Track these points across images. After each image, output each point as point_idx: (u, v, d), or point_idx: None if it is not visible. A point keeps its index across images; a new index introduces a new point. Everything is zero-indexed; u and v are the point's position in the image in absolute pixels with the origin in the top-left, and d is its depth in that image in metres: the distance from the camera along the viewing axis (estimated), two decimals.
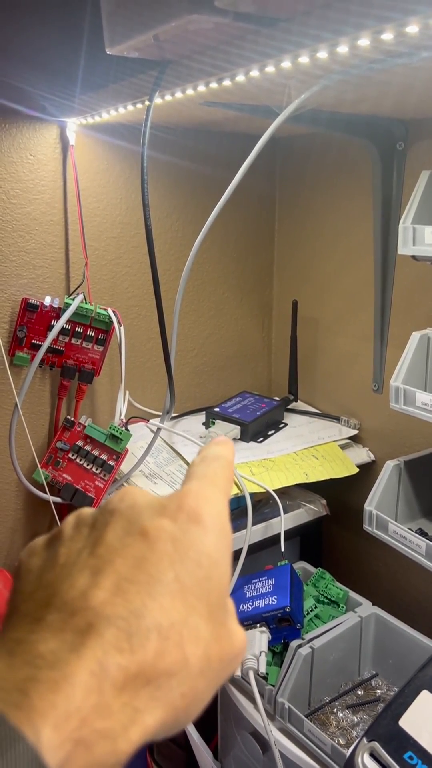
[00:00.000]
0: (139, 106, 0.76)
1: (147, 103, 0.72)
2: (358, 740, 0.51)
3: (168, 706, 0.22)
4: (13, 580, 0.26)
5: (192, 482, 0.28)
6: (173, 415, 1.12)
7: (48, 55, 0.85)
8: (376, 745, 0.49)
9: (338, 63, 0.52)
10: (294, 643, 0.79)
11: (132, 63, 0.70)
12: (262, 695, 0.78)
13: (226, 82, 0.61)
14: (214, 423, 1.05)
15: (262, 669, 0.77)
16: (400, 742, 0.49)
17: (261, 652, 0.78)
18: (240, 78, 0.59)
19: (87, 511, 0.27)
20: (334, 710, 0.80)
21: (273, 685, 0.79)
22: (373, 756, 0.49)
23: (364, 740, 0.50)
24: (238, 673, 0.78)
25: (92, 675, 0.20)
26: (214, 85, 0.62)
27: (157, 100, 0.72)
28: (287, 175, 1.15)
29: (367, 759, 0.48)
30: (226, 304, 1.19)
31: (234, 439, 1.02)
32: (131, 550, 0.24)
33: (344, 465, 0.98)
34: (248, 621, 0.81)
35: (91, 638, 0.21)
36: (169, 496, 0.26)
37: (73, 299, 0.92)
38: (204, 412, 1.12)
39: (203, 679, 0.23)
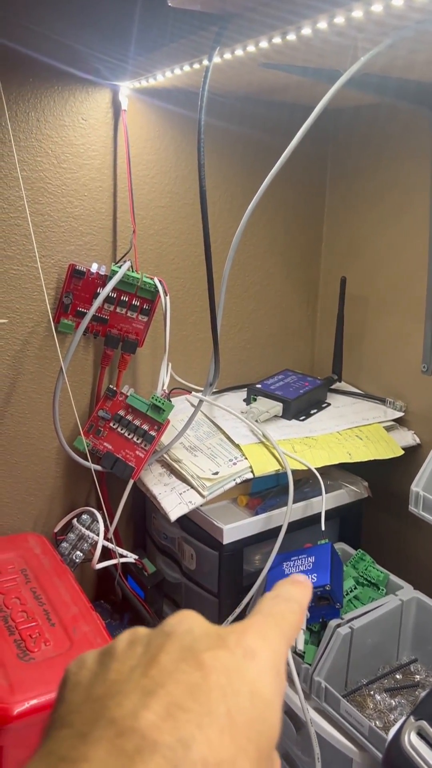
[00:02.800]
0: (196, 66, 0.74)
1: (205, 63, 0.70)
2: (404, 719, 0.50)
3: None
4: (60, 690, 0.25)
5: (256, 618, 0.26)
6: (214, 390, 1.11)
7: (102, 13, 0.83)
8: (425, 724, 0.47)
9: (415, 10, 0.49)
10: (333, 623, 0.77)
11: (190, 20, 0.68)
12: (297, 673, 0.77)
13: (291, 36, 0.58)
14: (255, 399, 1.04)
15: (300, 646, 0.76)
16: None
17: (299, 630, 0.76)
18: (306, 31, 0.56)
19: (142, 630, 0.26)
20: (371, 693, 0.78)
21: (309, 664, 0.78)
22: (421, 735, 0.47)
23: (411, 719, 0.48)
24: None
25: None
26: (277, 40, 0.60)
27: (216, 60, 0.70)
28: (340, 148, 1.12)
29: (414, 738, 0.47)
30: (272, 280, 1.17)
31: (275, 416, 1.01)
32: (185, 677, 0.23)
33: (389, 447, 0.95)
34: None
35: (137, 764, 0.20)
36: (228, 627, 0.25)
37: (120, 267, 0.91)
38: (245, 389, 1.11)
39: None
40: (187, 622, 0.25)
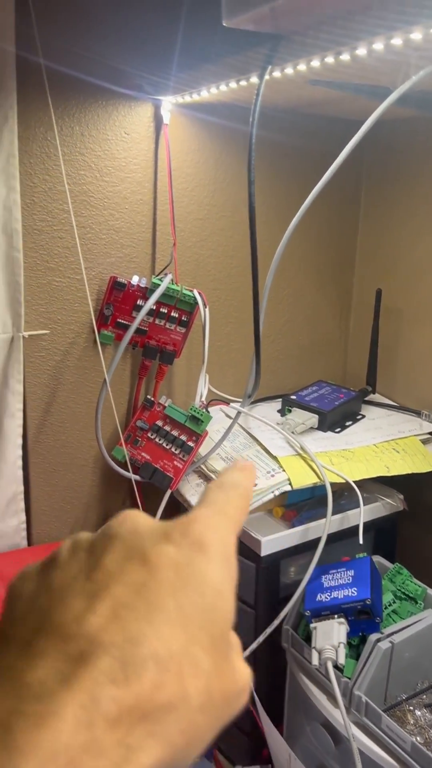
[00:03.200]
0: (243, 83, 0.74)
1: (254, 80, 0.71)
2: None
3: (166, 744, 0.20)
4: (4, 607, 0.24)
5: (202, 508, 0.26)
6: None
7: (147, 34, 0.85)
8: None
9: None
10: (373, 637, 0.77)
11: (237, 39, 0.69)
12: (338, 687, 0.77)
13: (344, 57, 0.59)
14: (290, 411, 1.04)
15: (341, 660, 0.76)
16: None
17: (340, 644, 0.77)
18: (361, 51, 0.57)
19: (85, 535, 0.26)
20: (411, 708, 0.78)
21: (349, 678, 0.78)
22: None
23: None
24: (315, 662, 0.77)
25: (83, 708, 0.19)
26: (329, 59, 0.60)
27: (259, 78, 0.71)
28: (376, 159, 1.13)
29: None
30: (305, 291, 1.17)
31: (311, 428, 1.01)
32: (130, 576, 0.22)
33: (426, 460, 0.95)
34: (326, 611, 0.80)
35: (83, 667, 0.19)
36: (173, 521, 0.25)
37: (161, 279, 0.92)
38: (277, 400, 1.11)
39: (204, 716, 0.22)
40: (129, 521, 0.25)
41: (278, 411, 1.08)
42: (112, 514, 0.26)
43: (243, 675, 0.24)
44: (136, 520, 0.25)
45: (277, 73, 0.68)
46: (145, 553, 0.23)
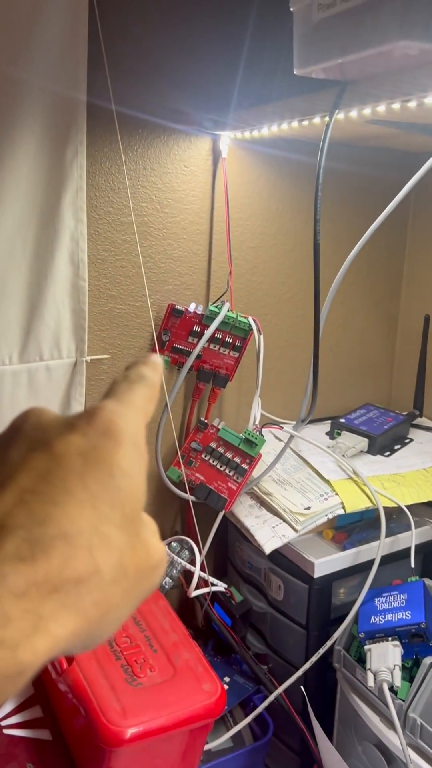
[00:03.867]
0: (305, 123, 0.78)
1: (316, 121, 0.74)
2: None
3: (79, 615, 0.21)
4: None
5: (108, 400, 0.26)
6: (293, 423, 1.14)
7: (210, 78, 0.89)
8: None
9: None
10: (428, 660, 0.79)
11: (301, 84, 0.72)
12: (393, 709, 0.78)
13: (411, 104, 0.62)
14: (339, 434, 1.06)
15: (397, 682, 0.77)
16: None
17: (395, 666, 0.78)
18: (429, 99, 0.60)
19: None
20: None
21: (403, 700, 0.79)
22: None
23: None
24: (371, 684, 0.79)
25: None
26: (396, 106, 0.63)
27: (320, 119, 0.74)
28: (423, 186, 1.15)
29: None
30: (353, 316, 1.20)
31: (361, 451, 1.03)
32: (35, 464, 0.23)
33: None
34: (380, 633, 0.82)
35: None
36: (78, 413, 0.25)
37: (219, 307, 0.95)
38: (324, 422, 1.13)
39: (118, 588, 0.23)
40: (33, 416, 0.25)
41: (327, 434, 1.10)
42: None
43: (157, 551, 0.25)
44: (39, 414, 0.26)
45: (340, 115, 0.71)
46: (50, 442, 0.24)
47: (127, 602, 0.24)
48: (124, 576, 0.23)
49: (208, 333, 0.94)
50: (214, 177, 0.98)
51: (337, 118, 0.73)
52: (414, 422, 1.14)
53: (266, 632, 1.01)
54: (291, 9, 0.62)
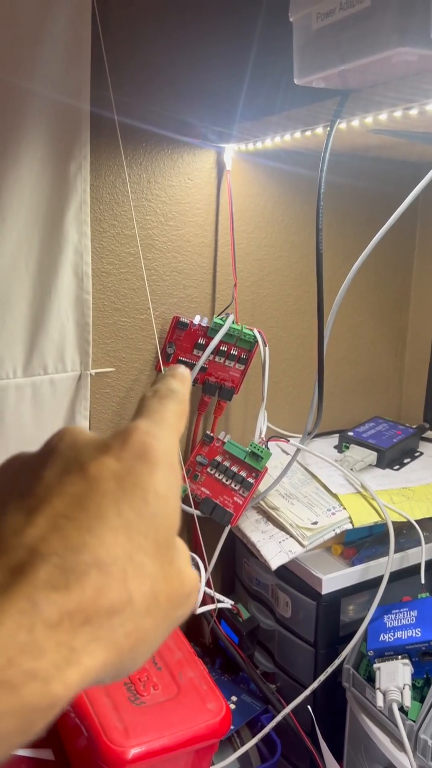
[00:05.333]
0: (308, 134, 0.77)
1: (318, 131, 0.74)
2: None
3: (111, 646, 0.21)
4: None
5: (141, 419, 0.26)
6: (300, 437, 1.12)
7: (213, 89, 0.90)
8: None
9: None
10: None
11: (301, 94, 0.72)
12: (403, 730, 0.76)
13: (413, 111, 0.61)
14: (348, 447, 1.05)
15: (407, 702, 0.75)
16: None
17: (405, 685, 0.76)
18: (430, 107, 0.59)
19: (25, 453, 0.26)
20: None
21: (413, 721, 0.77)
22: None
23: None
24: (380, 704, 0.77)
25: (22, 613, 0.19)
26: (398, 113, 0.63)
27: (323, 129, 0.74)
28: (430, 202, 1.14)
29: None
30: (361, 328, 1.19)
31: (370, 465, 1.01)
32: (70, 488, 0.22)
33: None
34: (389, 651, 0.80)
35: (23, 576, 0.20)
36: (113, 433, 0.25)
37: (223, 319, 0.95)
38: (332, 435, 1.12)
39: (150, 618, 0.22)
40: (69, 435, 0.25)
41: (335, 447, 1.09)
42: None
43: (190, 579, 0.24)
44: (74, 434, 0.25)
45: (342, 125, 0.71)
46: (84, 465, 0.23)
47: (159, 632, 0.23)
48: (156, 605, 0.22)
49: (212, 345, 0.94)
50: (218, 190, 0.98)
51: (340, 128, 0.73)
52: (424, 435, 1.12)
53: (274, 650, 0.99)
54: (290, 19, 0.62)
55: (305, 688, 0.87)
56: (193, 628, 1.10)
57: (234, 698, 0.95)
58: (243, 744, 0.88)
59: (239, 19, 0.90)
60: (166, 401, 0.27)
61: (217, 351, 0.97)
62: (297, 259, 1.08)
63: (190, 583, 0.24)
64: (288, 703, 0.88)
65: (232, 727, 0.89)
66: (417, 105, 0.60)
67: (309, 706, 0.86)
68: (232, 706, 0.94)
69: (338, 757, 0.91)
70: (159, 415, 0.26)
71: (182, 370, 0.30)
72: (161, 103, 0.88)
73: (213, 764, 0.83)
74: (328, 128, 0.69)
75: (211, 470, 0.97)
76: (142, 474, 0.23)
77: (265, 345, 0.96)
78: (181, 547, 0.25)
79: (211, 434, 0.99)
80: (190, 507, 0.96)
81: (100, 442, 0.24)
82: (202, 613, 0.96)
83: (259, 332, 0.96)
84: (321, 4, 0.57)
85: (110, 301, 0.93)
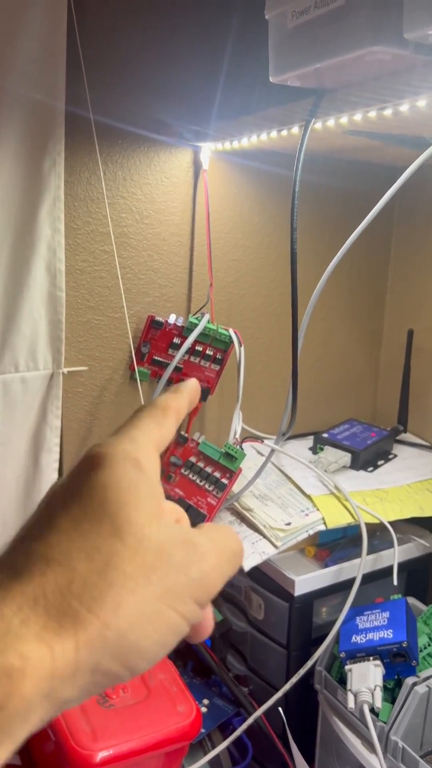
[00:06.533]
0: (284, 133, 0.77)
1: (294, 131, 0.74)
2: None
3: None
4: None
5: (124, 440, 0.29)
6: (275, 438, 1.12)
7: (189, 88, 0.89)
8: None
9: None
10: (410, 680, 0.76)
11: (277, 93, 0.72)
12: (374, 731, 0.76)
13: (387, 112, 0.61)
14: (322, 449, 1.05)
15: (378, 704, 0.75)
16: None
17: (376, 686, 0.76)
18: (404, 107, 0.59)
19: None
20: None
21: (384, 722, 0.77)
22: None
23: None
24: (351, 705, 0.76)
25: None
26: (372, 114, 0.63)
27: (299, 128, 0.73)
28: (407, 202, 1.15)
29: None
30: (335, 331, 1.19)
31: (344, 466, 1.01)
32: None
33: None
34: (361, 653, 0.80)
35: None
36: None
37: (199, 319, 0.94)
38: (308, 437, 1.12)
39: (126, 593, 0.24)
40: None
41: (310, 449, 1.09)
42: None
43: (154, 541, 0.26)
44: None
45: (318, 125, 0.71)
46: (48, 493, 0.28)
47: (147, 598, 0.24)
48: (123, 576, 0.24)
49: (186, 344, 0.93)
50: (195, 189, 0.97)
51: (316, 128, 0.73)
52: (398, 438, 1.13)
53: (247, 653, 0.98)
54: (266, 16, 0.61)
55: (278, 690, 0.87)
56: None
57: (206, 701, 0.94)
58: (214, 748, 0.87)
59: (214, 17, 0.90)
60: (140, 411, 0.30)
61: (192, 351, 0.97)
62: (274, 260, 1.08)
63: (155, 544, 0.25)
64: (260, 706, 0.87)
65: (203, 730, 0.88)
66: (391, 105, 0.60)
67: (280, 709, 0.86)
68: (204, 710, 0.93)
69: (310, 759, 0.91)
70: (125, 427, 0.29)
71: (186, 384, 0.33)
72: (137, 102, 0.88)
73: (183, 767, 0.82)
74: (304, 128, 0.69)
75: (185, 471, 0.96)
76: (86, 476, 0.26)
77: (240, 345, 0.95)
78: (142, 517, 0.26)
79: (186, 435, 0.98)
80: None
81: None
82: None
83: (234, 332, 0.95)
84: (296, 1, 0.57)
85: (84, 298, 0.92)
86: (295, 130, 0.75)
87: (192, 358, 0.98)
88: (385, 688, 0.81)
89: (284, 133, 0.77)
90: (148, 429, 0.29)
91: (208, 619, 0.30)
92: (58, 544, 0.24)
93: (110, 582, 0.23)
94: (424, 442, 1.12)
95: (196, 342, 0.96)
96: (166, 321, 0.95)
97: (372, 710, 0.77)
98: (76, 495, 0.25)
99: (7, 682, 0.20)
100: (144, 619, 0.24)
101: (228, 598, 1.02)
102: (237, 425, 0.96)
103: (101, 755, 0.66)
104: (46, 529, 0.25)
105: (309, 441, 1.12)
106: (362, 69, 0.56)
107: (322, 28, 0.54)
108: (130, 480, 0.26)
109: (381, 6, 0.50)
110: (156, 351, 0.96)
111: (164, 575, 0.24)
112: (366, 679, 0.77)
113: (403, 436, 1.14)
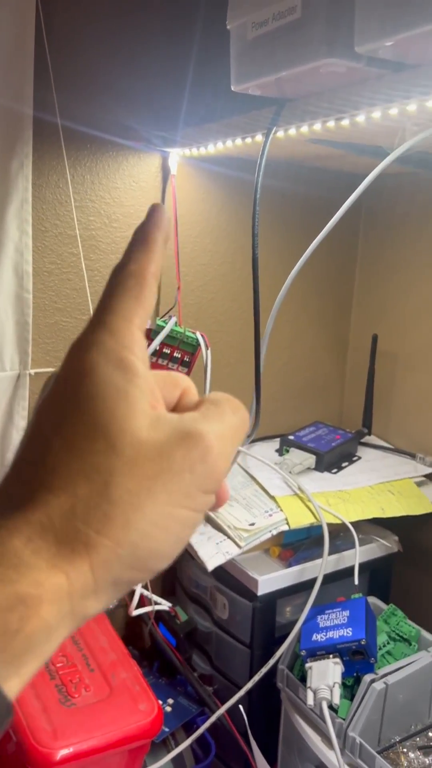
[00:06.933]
0: (248, 140, 0.79)
1: (258, 138, 0.75)
2: None
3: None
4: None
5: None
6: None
7: (155, 95, 0.91)
8: None
9: None
10: (368, 677, 0.78)
11: (241, 102, 0.73)
12: (332, 728, 0.78)
13: (345, 122, 0.63)
14: (288, 451, 1.06)
15: (336, 700, 0.76)
16: None
17: (335, 683, 0.78)
18: (360, 118, 0.61)
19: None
20: (405, 750, 0.78)
21: (343, 719, 0.78)
22: None
23: None
24: (311, 702, 0.78)
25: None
26: (331, 124, 0.65)
27: (262, 136, 0.75)
28: (373, 210, 1.17)
29: None
30: (303, 335, 1.21)
31: (308, 468, 1.03)
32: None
33: (420, 503, 0.97)
34: (321, 651, 0.81)
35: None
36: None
37: (165, 321, 0.95)
38: (274, 439, 1.13)
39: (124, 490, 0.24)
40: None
41: (276, 451, 1.10)
42: None
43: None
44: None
45: (280, 133, 0.72)
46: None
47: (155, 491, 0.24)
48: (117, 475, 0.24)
49: (152, 346, 0.94)
50: (163, 193, 0.99)
51: (279, 137, 0.74)
52: (362, 440, 1.15)
53: (212, 652, 0.99)
54: (228, 27, 0.63)
55: (241, 689, 0.88)
56: (131, 630, 1.09)
57: (170, 701, 0.95)
58: (178, 746, 0.88)
59: (179, 26, 0.91)
60: (112, 284, 0.27)
61: (160, 353, 0.98)
62: (241, 265, 1.09)
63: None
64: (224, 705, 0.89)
65: (167, 729, 0.89)
66: (348, 116, 0.62)
67: (241, 707, 0.87)
68: (169, 709, 0.94)
69: (273, 757, 0.92)
70: (100, 311, 0.27)
71: (152, 221, 0.29)
72: (104, 107, 0.89)
73: (147, 766, 0.83)
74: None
75: None
76: (70, 389, 0.25)
77: (207, 348, 0.96)
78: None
79: None
80: None
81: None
82: (140, 616, 0.96)
83: (201, 335, 0.97)
84: (256, 13, 0.58)
85: (51, 300, 0.92)
86: (259, 137, 0.76)
87: (160, 361, 0.98)
88: (344, 686, 0.82)
89: (248, 140, 0.78)
90: (126, 309, 0.26)
91: (223, 491, 0.28)
92: (55, 469, 0.23)
93: (113, 501, 0.23)
94: (387, 445, 1.15)
95: (164, 345, 0.97)
96: None
97: (331, 707, 0.79)
98: (65, 411, 0.24)
99: (23, 608, 0.21)
100: (155, 527, 0.23)
101: (195, 598, 1.03)
102: None
103: (62, 753, 0.67)
104: (41, 454, 0.24)
105: (276, 443, 1.13)
106: (319, 80, 0.58)
107: (280, 39, 0.56)
108: (116, 385, 0.24)
109: (335, 20, 0.51)
110: None
111: (168, 480, 0.24)
112: (325, 676, 0.78)
113: (367, 439, 1.16)
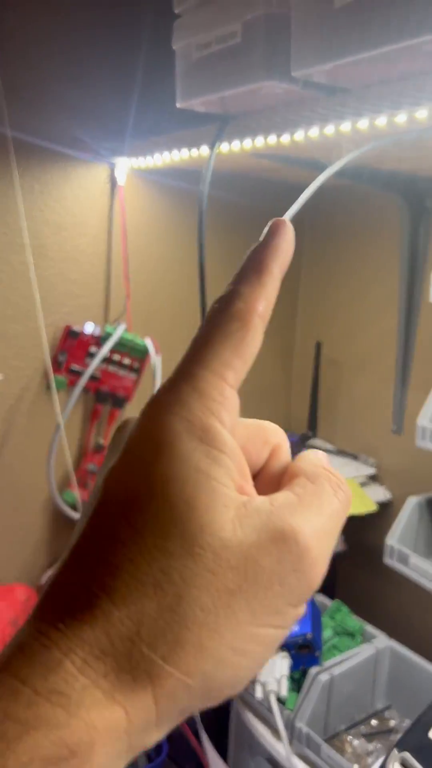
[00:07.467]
0: (194, 153, 0.82)
1: (203, 152, 0.78)
2: (389, 751, 0.54)
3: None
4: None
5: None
6: None
7: (102, 107, 0.93)
8: (407, 755, 0.52)
9: (394, 126, 0.58)
10: (313, 670, 0.81)
11: (188, 116, 0.76)
12: (280, 719, 0.80)
13: (284, 139, 0.66)
14: None
15: (284, 692, 0.79)
16: (429, 752, 0.52)
17: (282, 676, 0.80)
18: (298, 136, 0.64)
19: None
20: (349, 738, 0.82)
21: (291, 710, 0.81)
22: (404, 765, 0.51)
23: (395, 751, 0.53)
24: (259, 695, 0.80)
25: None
26: (271, 140, 0.68)
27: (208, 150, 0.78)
28: (316, 223, 1.22)
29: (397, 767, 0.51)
30: None
31: None
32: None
33: (363, 502, 1.01)
34: None
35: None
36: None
37: (115, 328, 0.97)
38: None
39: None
40: None
41: None
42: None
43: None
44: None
45: (224, 147, 0.75)
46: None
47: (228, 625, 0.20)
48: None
49: (101, 354, 0.96)
50: (112, 203, 1.00)
51: (223, 151, 0.77)
52: (308, 443, 1.19)
53: None
54: (173, 47, 0.66)
55: None
56: None
57: None
58: None
59: (128, 42, 0.94)
60: (209, 326, 0.22)
61: (110, 360, 0.99)
62: (189, 273, 1.12)
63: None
64: None
65: None
66: (288, 133, 0.65)
67: None
68: None
69: (224, 753, 0.95)
70: (188, 362, 0.23)
71: (273, 242, 0.24)
72: (53, 119, 0.90)
73: None
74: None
75: None
76: (142, 465, 0.21)
77: (157, 354, 0.99)
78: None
79: (104, 443, 1.01)
80: (78, 514, 0.97)
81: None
82: None
83: (151, 341, 0.99)
84: (200, 36, 0.61)
85: (1, 308, 0.93)
86: (205, 150, 0.79)
87: (110, 367, 1.00)
88: (292, 679, 0.86)
89: (194, 153, 0.81)
90: (221, 362, 0.22)
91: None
92: (121, 571, 0.19)
93: (185, 622, 0.19)
94: (332, 447, 1.19)
95: (113, 351, 0.99)
96: (83, 331, 0.98)
97: (279, 699, 0.82)
98: (136, 491, 0.20)
99: (73, 761, 0.18)
100: (233, 653, 0.19)
101: None
102: None
103: None
104: (105, 547, 0.20)
105: None
106: (259, 100, 0.61)
107: (222, 62, 0.59)
108: (198, 466, 0.20)
109: (273, 46, 0.55)
110: (73, 360, 0.98)
111: (253, 596, 0.20)
112: (273, 670, 0.81)
113: (312, 442, 1.20)
